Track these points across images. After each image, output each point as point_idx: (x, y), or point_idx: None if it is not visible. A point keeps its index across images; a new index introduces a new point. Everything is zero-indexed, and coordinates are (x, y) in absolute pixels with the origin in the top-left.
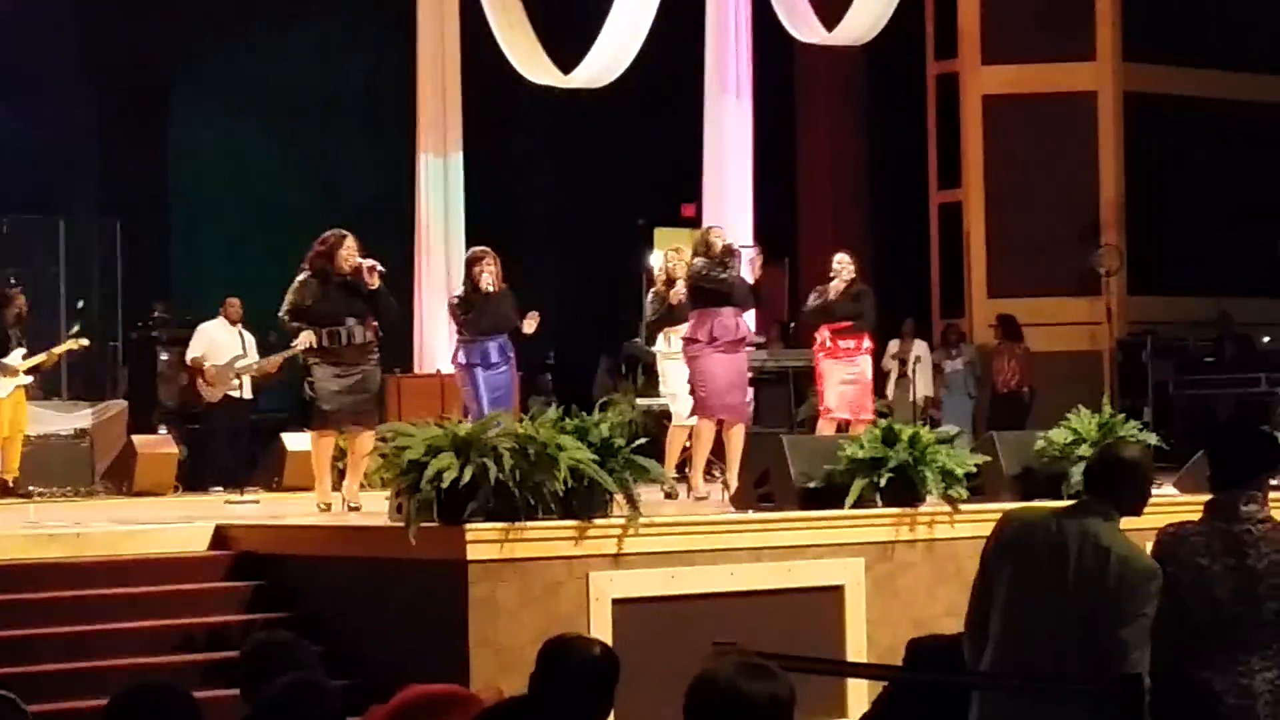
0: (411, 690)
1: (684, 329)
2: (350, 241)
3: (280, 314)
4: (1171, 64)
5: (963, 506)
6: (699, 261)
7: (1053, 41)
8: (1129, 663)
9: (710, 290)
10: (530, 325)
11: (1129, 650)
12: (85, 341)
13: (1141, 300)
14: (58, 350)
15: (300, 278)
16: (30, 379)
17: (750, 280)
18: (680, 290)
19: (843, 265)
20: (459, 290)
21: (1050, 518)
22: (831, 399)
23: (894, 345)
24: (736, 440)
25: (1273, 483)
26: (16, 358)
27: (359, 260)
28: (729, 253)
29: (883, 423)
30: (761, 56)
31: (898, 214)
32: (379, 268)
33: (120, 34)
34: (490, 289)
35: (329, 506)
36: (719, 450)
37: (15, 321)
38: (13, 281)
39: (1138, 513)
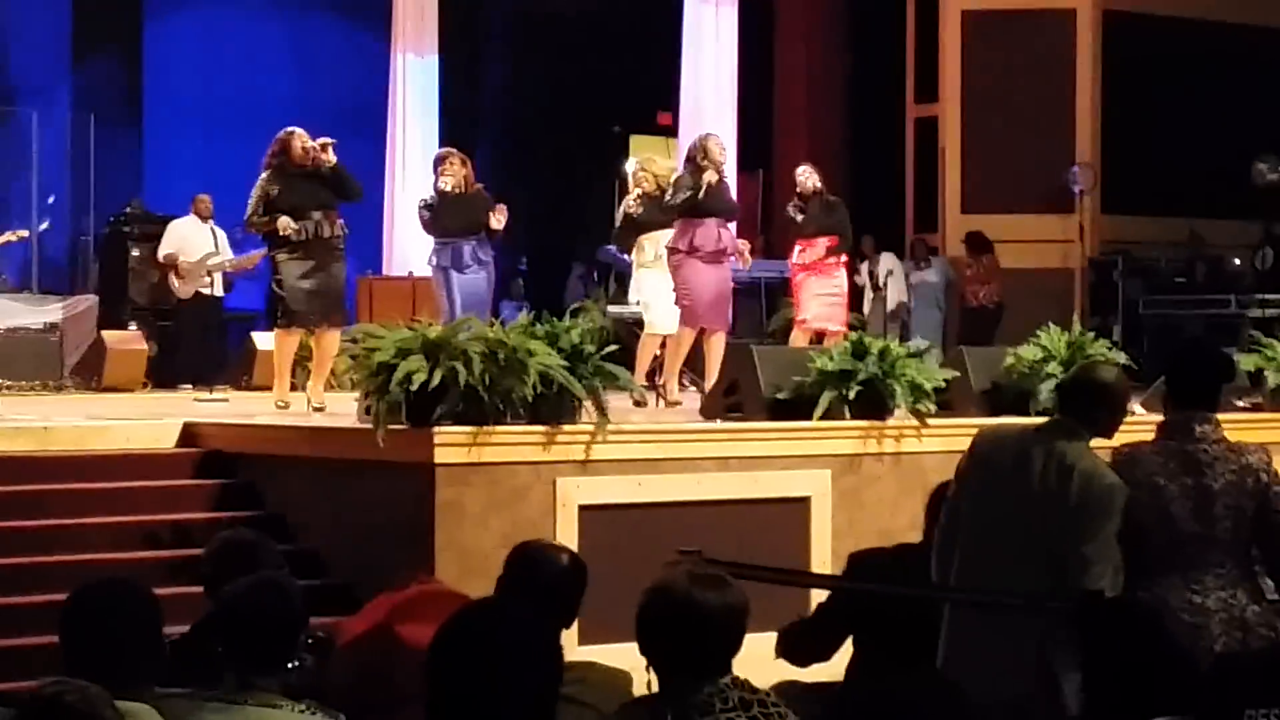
0: (424, 585)
1: (658, 236)
2: (301, 132)
3: (246, 216)
4: None
5: (930, 421)
6: (681, 171)
7: None
8: (1090, 578)
9: (681, 202)
10: (498, 220)
11: (1091, 566)
12: (24, 233)
13: (1114, 219)
14: None
15: (261, 177)
16: None
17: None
18: (630, 201)
19: (807, 174)
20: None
21: (1020, 435)
22: (809, 310)
23: (864, 264)
24: (717, 349)
25: (1240, 403)
26: None
27: (310, 144)
28: (708, 164)
29: (853, 335)
30: None
31: (874, 127)
32: (330, 141)
33: None
34: (452, 190)
35: (287, 405)
36: (692, 360)
37: None
38: None
39: (1109, 435)
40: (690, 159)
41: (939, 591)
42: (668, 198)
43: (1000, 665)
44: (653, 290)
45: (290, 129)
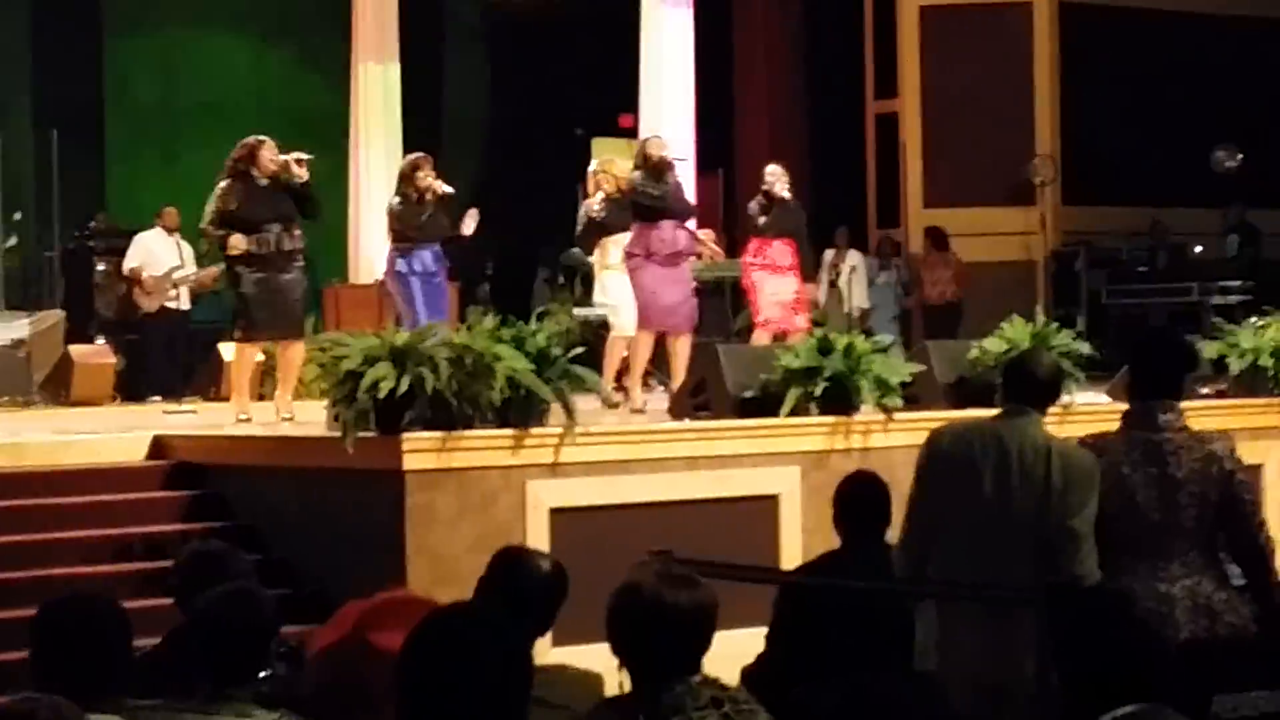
0: (393, 592)
1: (622, 239)
2: (271, 143)
3: (202, 224)
4: None
5: (897, 415)
6: (636, 175)
7: None
8: (1081, 554)
9: (647, 204)
10: (470, 225)
11: (1080, 541)
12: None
13: (1075, 210)
14: None
15: (221, 185)
16: None
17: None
18: (593, 204)
19: (776, 177)
20: (396, 198)
21: (983, 426)
22: (768, 312)
23: (829, 255)
24: (681, 350)
25: (1204, 391)
26: None
27: (282, 158)
28: (665, 165)
29: (818, 332)
30: None
31: (834, 124)
32: (304, 157)
33: None
34: (445, 191)
35: (250, 418)
36: (658, 361)
37: None
38: None
39: (1044, 411)
40: (638, 166)
41: (910, 586)
42: (643, 189)
43: (995, 651)
44: (619, 292)
45: (259, 138)
